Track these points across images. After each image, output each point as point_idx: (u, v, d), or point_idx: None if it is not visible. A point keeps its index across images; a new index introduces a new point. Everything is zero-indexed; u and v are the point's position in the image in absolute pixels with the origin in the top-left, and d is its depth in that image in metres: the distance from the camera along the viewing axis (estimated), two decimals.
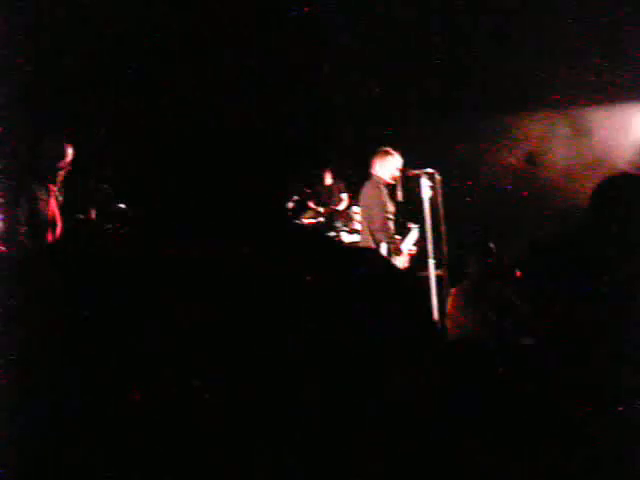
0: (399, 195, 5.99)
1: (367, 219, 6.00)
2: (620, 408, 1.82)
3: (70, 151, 5.10)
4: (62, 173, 5.13)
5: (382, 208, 5.87)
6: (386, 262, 1.63)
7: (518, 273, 5.32)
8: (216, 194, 1.56)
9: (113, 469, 1.35)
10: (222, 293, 1.43)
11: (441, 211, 5.82)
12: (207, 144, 1.58)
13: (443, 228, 5.85)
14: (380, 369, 1.39)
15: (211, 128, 1.59)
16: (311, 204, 7.72)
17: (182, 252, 1.46)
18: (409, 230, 6.07)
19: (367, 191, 6.05)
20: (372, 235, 5.90)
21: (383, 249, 5.74)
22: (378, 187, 5.91)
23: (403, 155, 5.97)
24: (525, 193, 7.49)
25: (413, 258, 6.03)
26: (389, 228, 5.87)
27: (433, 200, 5.80)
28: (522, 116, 8.03)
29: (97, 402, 1.39)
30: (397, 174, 5.90)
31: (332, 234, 7.35)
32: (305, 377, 1.37)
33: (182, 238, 1.50)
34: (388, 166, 5.90)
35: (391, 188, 5.95)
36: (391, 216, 5.88)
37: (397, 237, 5.91)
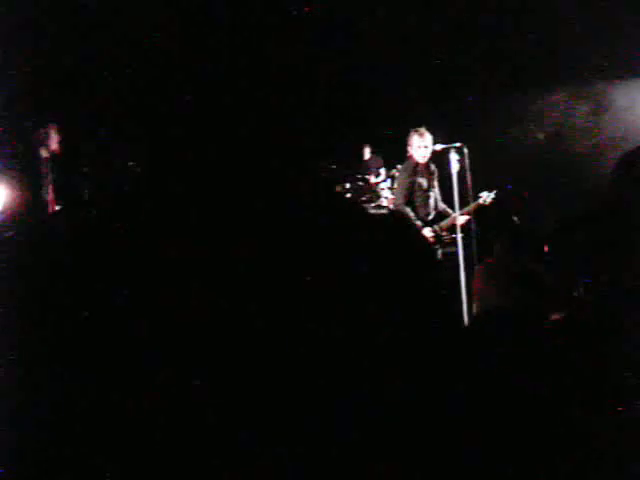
0: (433, 171, 6.22)
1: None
2: (620, 408, 1.82)
3: (55, 135, 5.25)
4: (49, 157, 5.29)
5: (404, 186, 6.16)
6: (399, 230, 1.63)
7: (546, 248, 5.35)
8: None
9: (113, 469, 1.35)
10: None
11: (469, 185, 5.95)
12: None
13: (472, 202, 6.04)
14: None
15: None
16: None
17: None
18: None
19: (400, 170, 6.39)
20: None
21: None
22: (407, 166, 6.20)
23: (435, 133, 6.16)
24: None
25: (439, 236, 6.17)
26: (402, 205, 6.11)
27: (461, 174, 5.96)
28: (545, 94, 8.11)
29: (97, 401, 1.39)
30: (427, 153, 6.12)
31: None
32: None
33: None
34: (418, 145, 6.17)
35: (426, 167, 6.16)
36: (421, 193, 6.13)
37: (410, 214, 6.08)
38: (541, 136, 8.05)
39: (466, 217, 6.07)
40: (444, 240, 6.14)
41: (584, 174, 7.47)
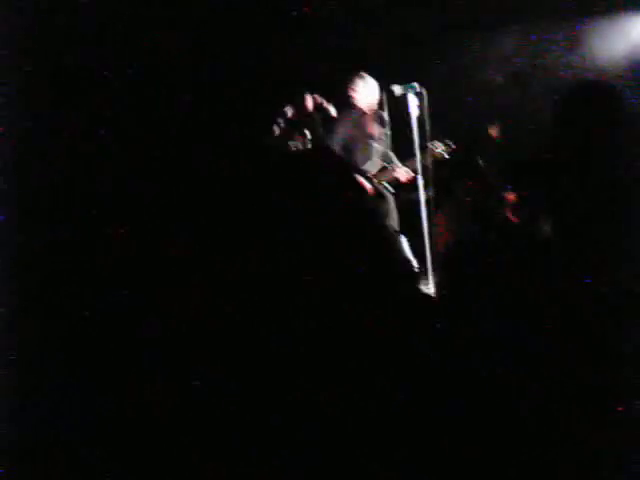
0: (385, 117, 6.01)
1: None
2: (620, 408, 1.81)
3: None
4: None
5: (341, 132, 5.92)
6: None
7: (511, 197, 5.31)
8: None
9: (113, 468, 1.35)
10: None
11: (428, 129, 5.77)
12: None
13: (430, 146, 5.84)
14: None
15: None
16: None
17: None
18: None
19: (339, 116, 6.08)
20: None
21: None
22: (349, 113, 5.95)
23: (389, 74, 5.97)
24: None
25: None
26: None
27: (421, 118, 5.78)
28: (514, 31, 7.92)
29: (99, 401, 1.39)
30: (373, 100, 5.90)
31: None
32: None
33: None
34: (365, 92, 5.96)
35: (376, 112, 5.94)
36: (373, 141, 5.90)
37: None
38: (500, 79, 7.90)
39: (408, 172, 5.83)
40: (381, 190, 5.88)
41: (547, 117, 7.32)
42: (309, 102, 7.75)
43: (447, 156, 5.76)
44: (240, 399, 1.39)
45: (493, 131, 7.44)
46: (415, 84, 5.68)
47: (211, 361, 1.40)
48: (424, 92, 5.68)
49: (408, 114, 5.65)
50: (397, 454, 1.39)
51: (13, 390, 1.40)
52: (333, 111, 7.71)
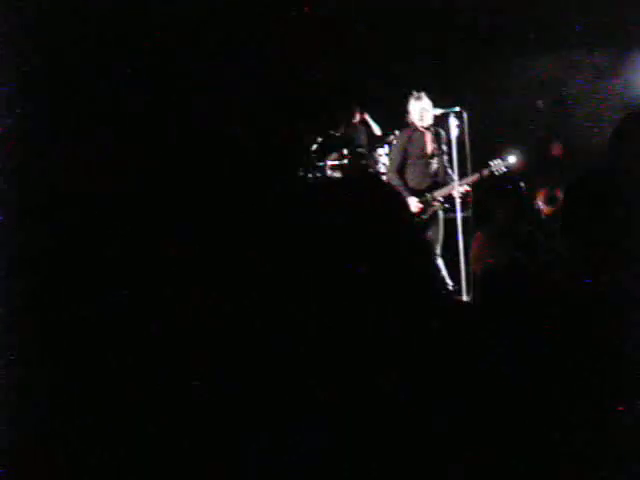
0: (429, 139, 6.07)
1: None
2: (620, 408, 1.81)
3: None
4: None
5: (395, 153, 6.16)
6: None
7: (546, 211, 5.30)
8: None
9: (113, 468, 1.35)
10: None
11: (468, 149, 5.87)
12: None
13: (470, 167, 5.93)
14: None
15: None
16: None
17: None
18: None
19: (396, 136, 6.38)
20: None
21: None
22: (402, 132, 6.18)
23: (433, 95, 6.07)
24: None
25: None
26: (391, 172, 6.06)
27: (461, 139, 5.88)
28: (546, 58, 8.03)
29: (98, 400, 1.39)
30: (425, 117, 6.00)
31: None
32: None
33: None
34: (414, 109, 6.08)
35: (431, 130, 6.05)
36: (417, 160, 6.00)
37: (395, 181, 6.00)
38: (540, 104, 7.97)
39: (465, 188, 5.92)
40: (434, 208, 5.96)
41: (585, 141, 7.40)
42: (356, 117, 7.78)
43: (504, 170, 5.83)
44: (240, 399, 1.39)
45: (556, 150, 7.40)
46: (456, 106, 5.82)
47: (211, 361, 1.40)
48: (465, 113, 5.80)
49: (448, 134, 5.81)
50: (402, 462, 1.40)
51: (13, 390, 1.40)
52: (377, 129, 7.74)
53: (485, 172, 5.90)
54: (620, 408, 1.81)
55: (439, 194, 5.99)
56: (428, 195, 5.97)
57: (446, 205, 6.03)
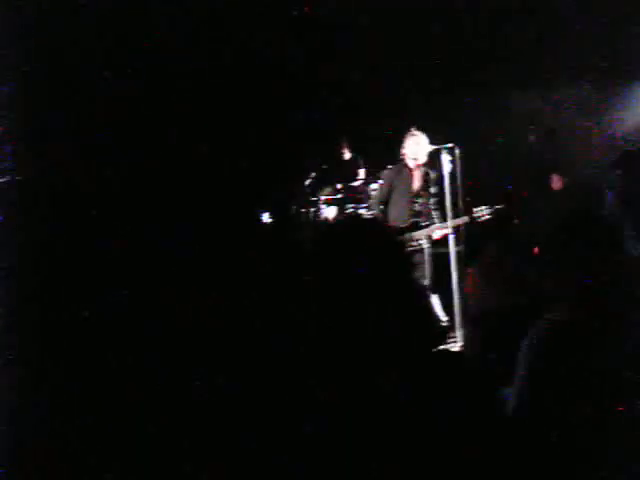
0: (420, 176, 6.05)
1: None
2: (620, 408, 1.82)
3: None
4: None
5: (381, 186, 6.16)
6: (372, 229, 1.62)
7: (536, 250, 5.29)
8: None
9: (113, 468, 1.35)
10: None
11: (460, 185, 5.84)
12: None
13: (462, 202, 5.89)
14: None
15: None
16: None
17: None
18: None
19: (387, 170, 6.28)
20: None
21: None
22: (393, 167, 6.14)
23: (430, 133, 6.05)
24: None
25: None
26: (374, 204, 6.13)
27: (453, 174, 5.84)
28: (537, 91, 8.07)
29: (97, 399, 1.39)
30: (417, 155, 5.97)
31: (349, 209, 7.40)
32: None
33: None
34: (408, 146, 6.05)
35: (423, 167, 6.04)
36: (403, 196, 5.96)
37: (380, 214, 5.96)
38: (533, 137, 8.01)
39: (444, 232, 5.87)
40: (415, 247, 5.92)
41: (579, 174, 7.45)
42: (345, 153, 7.82)
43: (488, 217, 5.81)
44: (240, 399, 1.39)
45: (556, 183, 7.37)
46: (449, 144, 5.80)
47: (211, 361, 1.40)
48: (457, 149, 5.76)
49: (440, 170, 5.79)
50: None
51: (13, 390, 1.40)
52: (360, 164, 7.77)
53: (467, 219, 5.84)
54: (620, 408, 1.81)
55: (419, 235, 5.93)
56: (407, 235, 5.92)
57: (428, 244, 5.95)
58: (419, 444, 1.37)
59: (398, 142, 6.17)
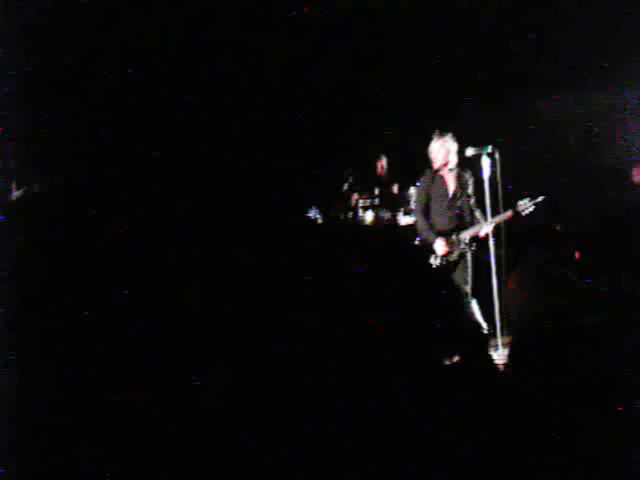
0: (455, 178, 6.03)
1: None
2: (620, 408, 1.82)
3: None
4: None
5: (418, 194, 6.12)
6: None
7: (577, 255, 5.24)
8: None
9: (113, 468, 1.35)
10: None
11: (500, 190, 5.79)
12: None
13: (502, 208, 5.84)
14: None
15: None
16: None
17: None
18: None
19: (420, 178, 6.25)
20: None
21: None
22: (425, 173, 6.08)
23: (462, 137, 5.99)
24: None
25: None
26: (417, 214, 6.07)
27: (493, 179, 5.79)
28: (574, 96, 8.00)
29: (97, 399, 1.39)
30: (448, 157, 5.93)
31: (388, 216, 7.39)
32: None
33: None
34: (436, 148, 6.00)
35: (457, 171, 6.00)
36: (442, 201, 5.94)
37: (420, 224, 5.96)
38: (571, 140, 7.90)
39: (490, 228, 5.83)
40: (461, 249, 5.90)
41: (616, 178, 7.38)
42: (381, 164, 7.84)
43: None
44: (240, 399, 1.39)
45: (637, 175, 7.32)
46: (489, 146, 5.74)
47: (211, 361, 1.40)
48: (497, 153, 5.71)
49: (481, 175, 5.75)
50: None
51: (13, 390, 1.40)
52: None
53: (510, 213, 5.80)
54: (620, 408, 1.81)
55: (465, 235, 5.91)
56: (454, 237, 5.91)
57: (473, 247, 5.94)
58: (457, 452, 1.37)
59: (425, 145, 6.11)
